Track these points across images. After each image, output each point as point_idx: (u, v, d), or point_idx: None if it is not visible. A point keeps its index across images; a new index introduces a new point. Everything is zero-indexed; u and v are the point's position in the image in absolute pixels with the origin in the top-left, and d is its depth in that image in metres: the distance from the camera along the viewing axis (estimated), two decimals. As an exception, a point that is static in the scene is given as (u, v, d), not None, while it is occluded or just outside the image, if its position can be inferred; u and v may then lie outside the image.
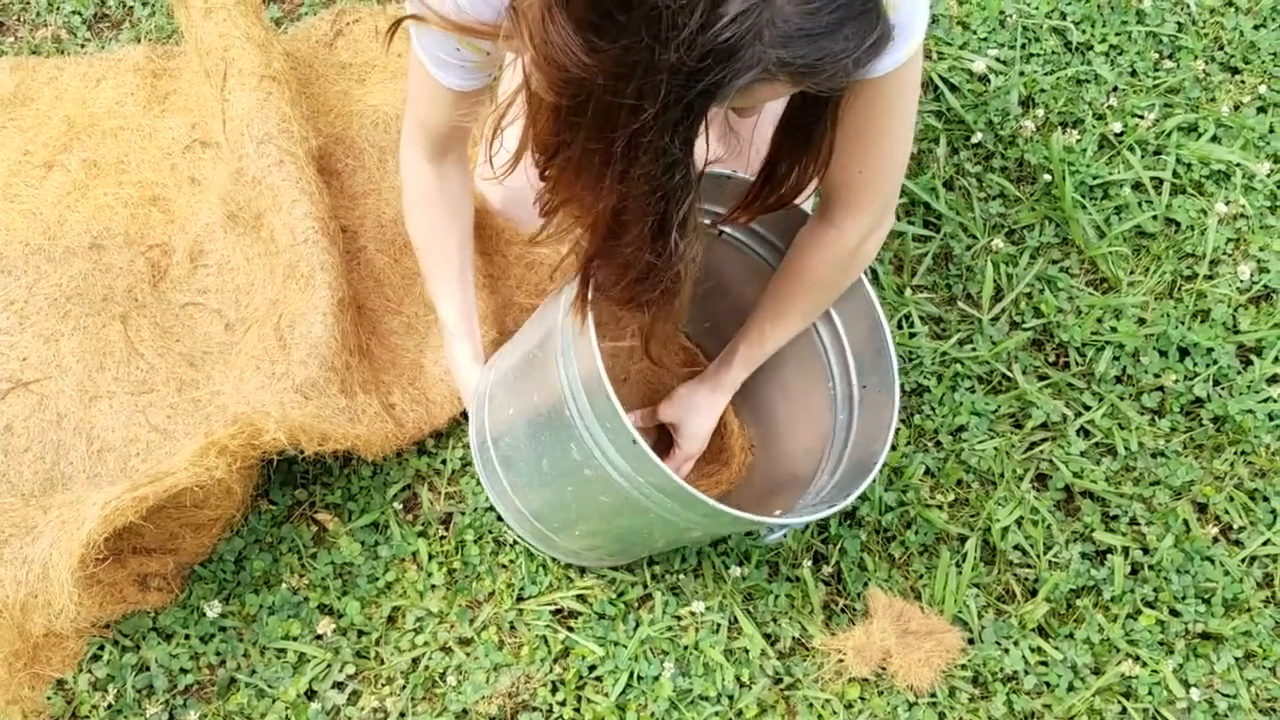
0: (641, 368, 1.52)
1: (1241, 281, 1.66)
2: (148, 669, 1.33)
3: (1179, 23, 1.94)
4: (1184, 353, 1.60)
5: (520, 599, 1.39)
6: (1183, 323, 1.62)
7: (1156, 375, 1.58)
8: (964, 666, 1.37)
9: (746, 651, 1.37)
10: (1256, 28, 1.94)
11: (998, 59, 1.87)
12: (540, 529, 1.35)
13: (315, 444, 1.33)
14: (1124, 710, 1.36)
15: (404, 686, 1.33)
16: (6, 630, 1.25)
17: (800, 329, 1.29)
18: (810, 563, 1.42)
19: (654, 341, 1.18)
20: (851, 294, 1.29)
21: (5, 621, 1.24)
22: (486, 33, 1.00)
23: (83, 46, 1.85)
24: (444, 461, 1.47)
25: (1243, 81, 1.88)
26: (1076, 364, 1.59)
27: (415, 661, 1.35)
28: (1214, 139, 1.80)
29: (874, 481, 1.47)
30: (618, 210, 0.92)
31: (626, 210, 0.91)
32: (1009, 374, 1.58)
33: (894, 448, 1.50)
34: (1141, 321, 1.62)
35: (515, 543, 1.42)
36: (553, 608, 1.39)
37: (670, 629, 1.38)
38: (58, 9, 1.88)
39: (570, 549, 1.36)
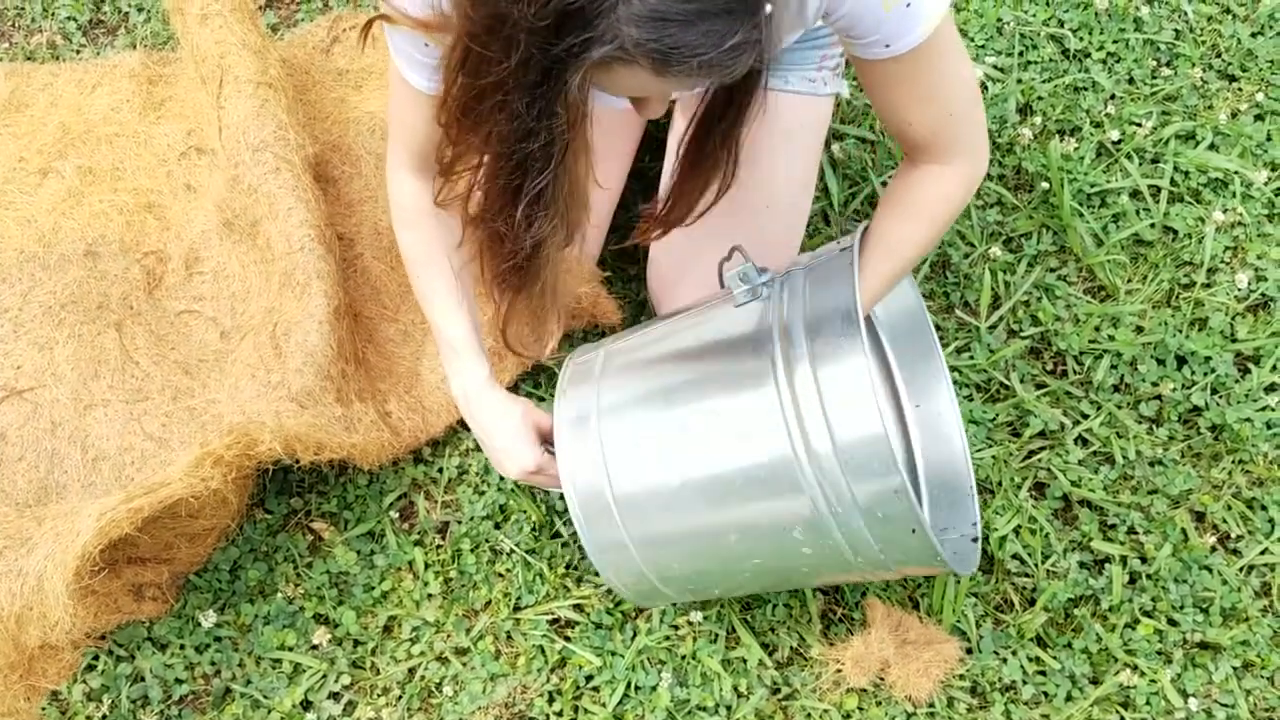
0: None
1: (1239, 290, 1.66)
2: (142, 679, 1.33)
3: (1176, 30, 1.94)
4: (1182, 361, 1.60)
5: (517, 608, 1.39)
6: (1180, 331, 1.62)
7: (1154, 384, 1.58)
8: (962, 676, 1.37)
9: (744, 661, 1.36)
10: (1254, 35, 1.94)
11: (995, 66, 1.87)
12: (660, 589, 1.20)
13: (311, 453, 1.32)
14: (1122, 720, 1.35)
15: (400, 697, 1.33)
16: (1, 643, 1.24)
17: (904, 275, 1.24)
18: (808, 572, 1.41)
19: (510, 326, 1.18)
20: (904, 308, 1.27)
21: (0, 634, 1.23)
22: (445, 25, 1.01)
23: (78, 52, 1.84)
24: (440, 470, 1.47)
25: (1240, 89, 1.88)
26: (1074, 372, 1.59)
27: (411, 672, 1.35)
28: (1211, 147, 1.80)
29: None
30: (485, 167, 0.96)
31: (489, 171, 0.96)
32: (1007, 382, 1.57)
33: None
34: (1139, 330, 1.62)
35: (511, 552, 1.42)
36: (549, 617, 1.38)
37: (668, 638, 1.37)
38: (53, 15, 1.88)
39: (674, 598, 1.25)
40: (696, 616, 1.38)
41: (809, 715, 1.34)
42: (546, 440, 1.24)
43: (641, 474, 1.11)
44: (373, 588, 1.39)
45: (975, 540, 1.23)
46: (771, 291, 1.12)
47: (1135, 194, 1.75)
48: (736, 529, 1.08)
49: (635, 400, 1.14)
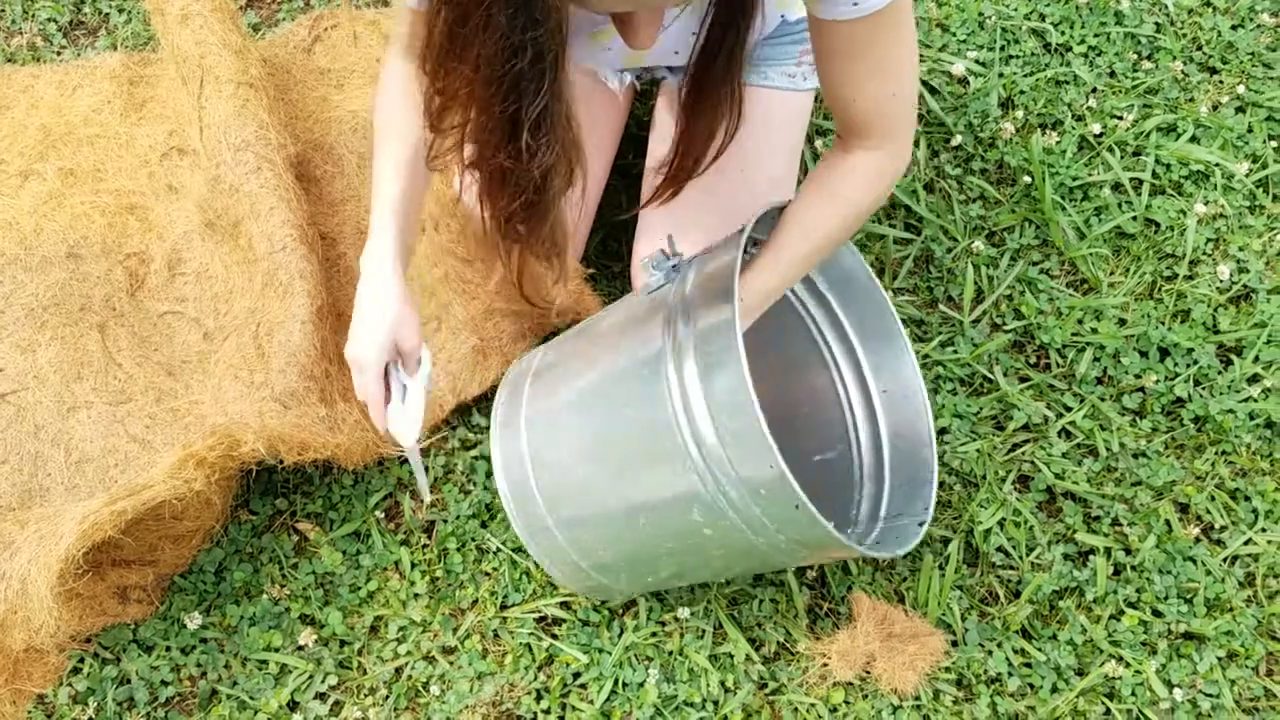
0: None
1: (1221, 281, 1.67)
2: (128, 682, 1.32)
3: (1157, 23, 1.94)
4: (1164, 353, 1.61)
5: (504, 607, 1.39)
6: (1163, 323, 1.63)
7: (1137, 376, 1.58)
8: (948, 669, 1.37)
9: (731, 657, 1.37)
10: (1234, 28, 1.95)
11: (977, 61, 1.88)
12: (600, 580, 1.26)
13: (295, 453, 1.32)
14: (1108, 711, 1.36)
15: (387, 697, 1.33)
16: None
17: (818, 259, 1.23)
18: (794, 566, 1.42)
19: (526, 277, 1.15)
20: (864, 292, 1.27)
21: None
22: None
23: (59, 54, 1.83)
24: (425, 468, 1.47)
25: (1221, 82, 1.89)
26: (1057, 365, 1.60)
27: (398, 671, 1.35)
28: (1193, 139, 1.81)
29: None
30: (478, 103, 0.94)
31: (483, 104, 0.93)
32: (990, 376, 1.58)
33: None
34: (1122, 322, 1.62)
35: (498, 550, 1.41)
36: (536, 615, 1.38)
37: (655, 635, 1.38)
38: (33, 16, 1.87)
39: (623, 590, 1.30)
40: (684, 613, 1.38)
41: (796, 709, 1.34)
42: (404, 357, 1.23)
43: (558, 462, 1.16)
44: (359, 588, 1.39)
45: (922, 525, 1.22)
46: (675, 278, 1.15)
47: (1117, 187, 1.76)
48: (644, 511, 1.12)
49: (552, 391, 1.19)
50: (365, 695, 1.33)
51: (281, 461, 1.31)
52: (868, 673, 1.35)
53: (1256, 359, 1.60)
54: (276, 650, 1.35)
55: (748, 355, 0.99)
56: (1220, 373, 1.59)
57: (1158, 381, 1.57)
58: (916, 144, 1.77)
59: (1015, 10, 1.94)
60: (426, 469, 1.45)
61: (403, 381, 1.26)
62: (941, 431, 1.53)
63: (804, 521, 1.02)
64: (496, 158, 0.98)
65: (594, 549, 1.20)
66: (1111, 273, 1.68)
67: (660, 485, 1.09)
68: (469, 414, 1.51)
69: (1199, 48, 1.93)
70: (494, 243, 1.14)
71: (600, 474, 1.14)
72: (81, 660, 1.33)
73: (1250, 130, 1.83)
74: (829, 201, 1.19)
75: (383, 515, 1.44)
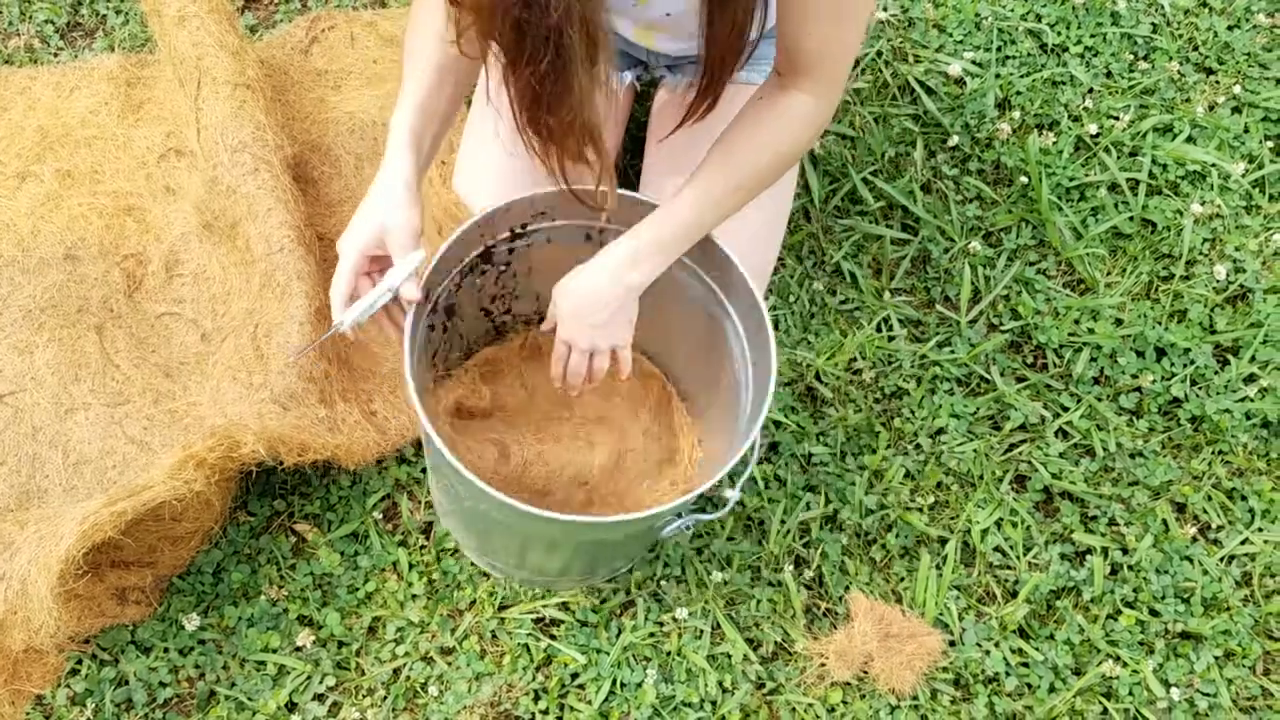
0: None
1: (1218, 281, 1.67)
2: (126, 683, 1.32)
3: (1153, 24, 1.95)
4: (1161, 353, 1.61)
5: (502, 607, 1.39)
6: (1160, 323, 1.63)
7: (1134, 376, 1.59)
8: (945, 669, 1.37)
9: (729, 657, 1.37)
10: (1230, 28, 1.95)
11: (974, 62, 1.88)
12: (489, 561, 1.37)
13: (295, 455, 1.32)
14: (1105, 711, 1.36)
15: (385, 697, 1.33)
16: None
17: (724, 207, 1.20)
18: (791, 567, 1.42)
19: (563, 163, 1.09)
20: (735, 281, 1.26)
21: None
22: None
23: (56, 55, 1.83)
24: (424, 470, 1.47)
25: (1217, 82, 1.90)
26: (1054, 365, 1.60)
27: (396, 672, 1.35)
28: (1189, 139, 1.81)
29: (854, 485, 1.47)
30: None
31: None
32: (987, 376, 1.58)
33: (874, 450, 1.50)
34: (1119, 322, 1.63)
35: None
36: (534, 616, 1.38)
37: (653, 635, 1.38)
38: (30, 18, 1.87)
39: (526, 577, 1.37)
40: (682, 613, 1.38)
41: (794, 709, 1.34)
42: (382, 261, 1.20)
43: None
44: (357, 589, 1.39)
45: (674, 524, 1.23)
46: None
47: (1114, 187, 1.76)
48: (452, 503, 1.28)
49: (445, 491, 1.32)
50: (363, 696, 1.33)
51: (280, 463, 1.31)
52: (865, 672, 1.35)
53: (1253, 359, 1.60)
54: (274, 651, 1.35)
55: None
56: (1217, 372, 1.59)
57: (1154, 381, 1.58)
58: (913, 144, 1.78)
59: (1012, 11, 1.94)
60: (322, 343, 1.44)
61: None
62: (938, 431, 1.54)
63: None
64: (511, 10, 0.94)
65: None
66: (1108, 273, 1.69)
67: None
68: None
69: (1195, 48, 1.94)
70: (529, 146, 1.09)
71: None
72: (80, 661, 1.33)
73: (1246, 130, 1.83)
74: (759, 139, 1.18)
75: (380, 516, 1.44)
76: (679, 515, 1.18)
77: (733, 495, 1.18)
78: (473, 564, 1.41)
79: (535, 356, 1.47)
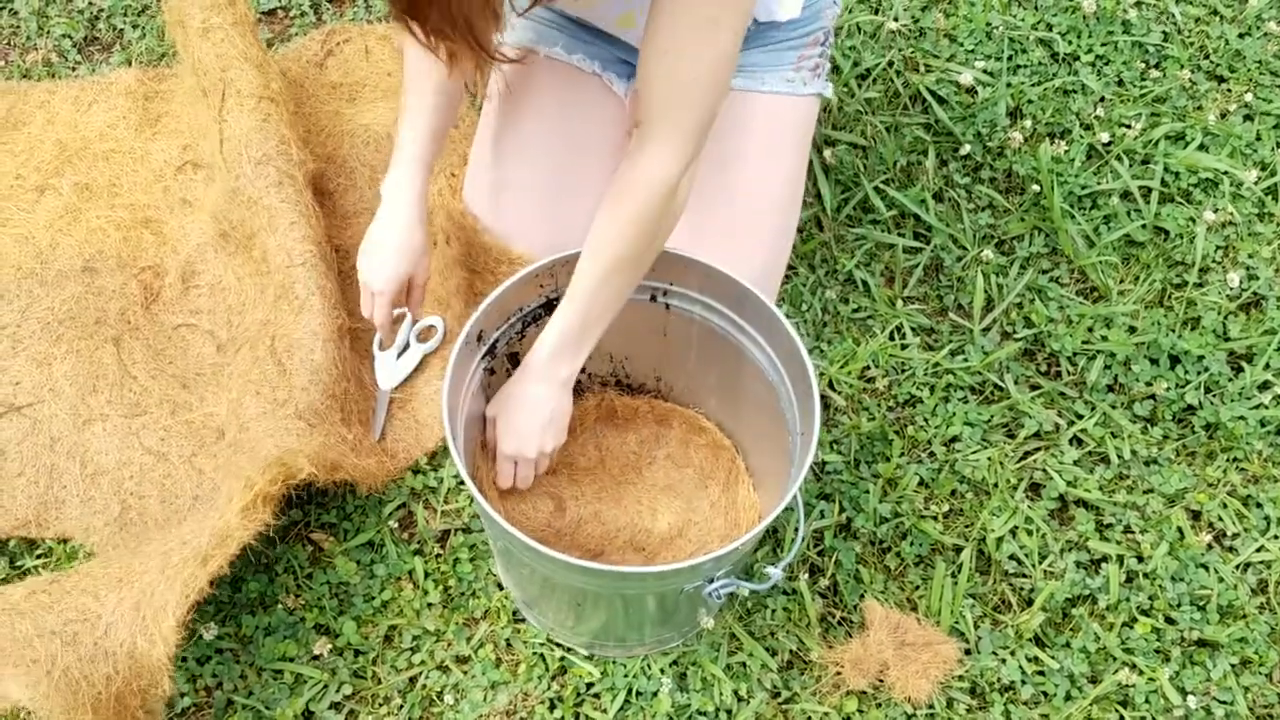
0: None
1: (1231, 289, 1.67)
2: (144, 692, 1.33)
3: (1164, 32, 1.95)
4: (1175, 360, 1.61)
5: (516, 616, 1.39)
6: (1173, 331, 1.63)
7: (1148, 383, 1.58)
8: (961, 677, 1.37)
9: (745, 666, 1.37)
10: (1241, 36, 1.96)
11: (985, 71, 1.88)
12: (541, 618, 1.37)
13: (327, 472, 1.33)
14: (1121, 718, 1.36)
15: (401, 706, 1.33)
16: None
17: (615, 285, 1.19)
18: (806, 575, 1.42)
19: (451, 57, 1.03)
20: (780, 334, 1.25)
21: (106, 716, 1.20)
22: None
23: (73, 70, 1.85)
24: (439, 479, 1.47)
25: (1229, 90, 1.90)
26: (1068, 373, 1.60)
27: (412, 681, 1.35)
28: (1201, 147, 1.81)
29: (868, 493, 1.47)
30: None
31: None
32: (1001, 384, 1.58)
33: (887, 459, 1.50)
34: (1132, 330, 1.63)
35: (511, 560, 1.42)
36: (549, 625, 1.39)
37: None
38: (48, 32, 1.89)
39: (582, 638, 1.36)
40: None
41: (809, 718, 1.34)
42: (413, 289, 1.36)
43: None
44: (373, 597, 1.39)
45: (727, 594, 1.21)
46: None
47: (1126, 195, 1.76)
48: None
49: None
50: (380, 704, 1.33)
51: (314, 483, 1.32)
52: (881, 681, 1.35)
53: (1267, 366, 1.60)
54: (292, 660, 1.35)
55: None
56: (1231, 380, 1.59)
57: (1168, 389, 1.58)
58: (925, 153, 1.78)
59: (1023, 20, 1.95)
60: (387, 415, 1.52)
61: (409, 339, 1.52)
62: (952, 440, 1.54)
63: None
64: None
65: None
66: (1121, 281, 1.69)
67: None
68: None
69: (1206, 56, 1.94)
70: (412, 33, 1.01)
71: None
72: (98, 671, 1.34)
73: (1259, 138, 1.83)
74: (620, 216, 1.16)
75: (396, 525, 1.45)
76: (711, 580, 1.17)
77: (775, 574, 1.17)
78: (489, 573, 1.41)
79: (610, 418, 1.49)
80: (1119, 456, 1.53)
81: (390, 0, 0.94)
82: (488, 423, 1.31)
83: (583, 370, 1.42)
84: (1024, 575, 1.45)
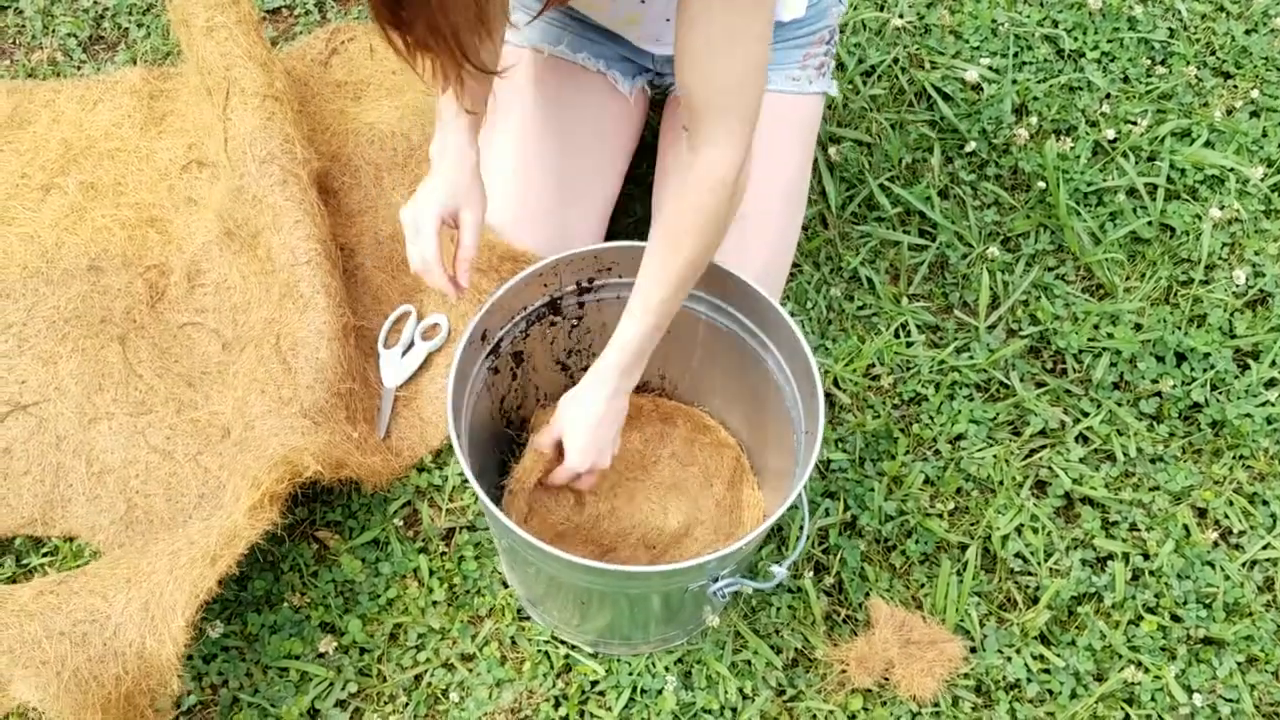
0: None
1: (1237, 286, 1.67)
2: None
3: (1170, 29, 1.95)
4: (1181, 358, 1.61)
5: (522, 615, 1.39)
6: (1179, 328, 1.62)
7: (1154, 381, 1.58)
8: (966, 675, 1.37)
9: (749, 664, 1.37)
10: (1248, 32, 1.95)
11: (990, 68, 1.88)
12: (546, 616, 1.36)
13: (333, 470, 1.33)
14: (1127, 717, 1.35)
15: (406, 704, 1.33)
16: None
17: (684, 288, 1.18)
18: (811, 573, 1.42)
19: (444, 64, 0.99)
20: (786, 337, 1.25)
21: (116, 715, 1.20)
22: None
23: (79, 69, 1.85)
24: (444, 477, 1.48)
25: (1235, 86, 1.89)
26: (1074, 371, 1.60)
27: (417, 678, 1.35)
28: (1207, 144, 1.81)
29: (873, 491, 1.47)
30: None
31: None
32: (1006, 381, 1.58)
33: (892, 456, 1.50)
34: (1138, 327, 1.62)
35: (516, 558, 1.42)
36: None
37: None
38: (53, 31, 1.89)
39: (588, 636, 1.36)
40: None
41: (814, 716, 1.34)
42: (461, 229, 1.24)
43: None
44: (378, 595, 1.40)
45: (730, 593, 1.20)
46: None
47: (1132, 192, 1.76)
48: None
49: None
50: (385, 702, 1.34)
51: (319, 480, 1.33)
52: (886, 679, 1.35)
53: (1273, 363, 1.60)
54: (297, 658, 1.35)
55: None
56: (1237, 377, 1.59)
57: (1174, 386, 1.57)
58: (930, 150, 1.78)
59: (1028, 17, 1.94)
60: (392, 413, 1.52)
61: (413, 337, 1.54)
62: (958, 437, 1.54)
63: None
64: None
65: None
66: (1127, 278, 1.68)
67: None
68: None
69: (1212, 52, 1.93)
70: (394, 47, 0.98)
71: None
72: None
73: (1265, 135, 1.83)
74: (681, 223, 1.15)
75: (401, 523, 1.45)
76: (716, 579, 1.17)
77: (780, 572, 1.17)
78: (494, 571, 1.41)
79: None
80: (1125, 454, 1.52)
81: (373, 10, 0.90)
82: (558, 435, 1.26)
83: (583, 367, 1.43)
84: (1029, 573, 1.44)
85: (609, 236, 1.58)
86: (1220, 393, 1.58)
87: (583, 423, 1.22)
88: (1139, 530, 1.48)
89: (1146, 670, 1.38)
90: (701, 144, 1.13)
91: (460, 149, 1.23)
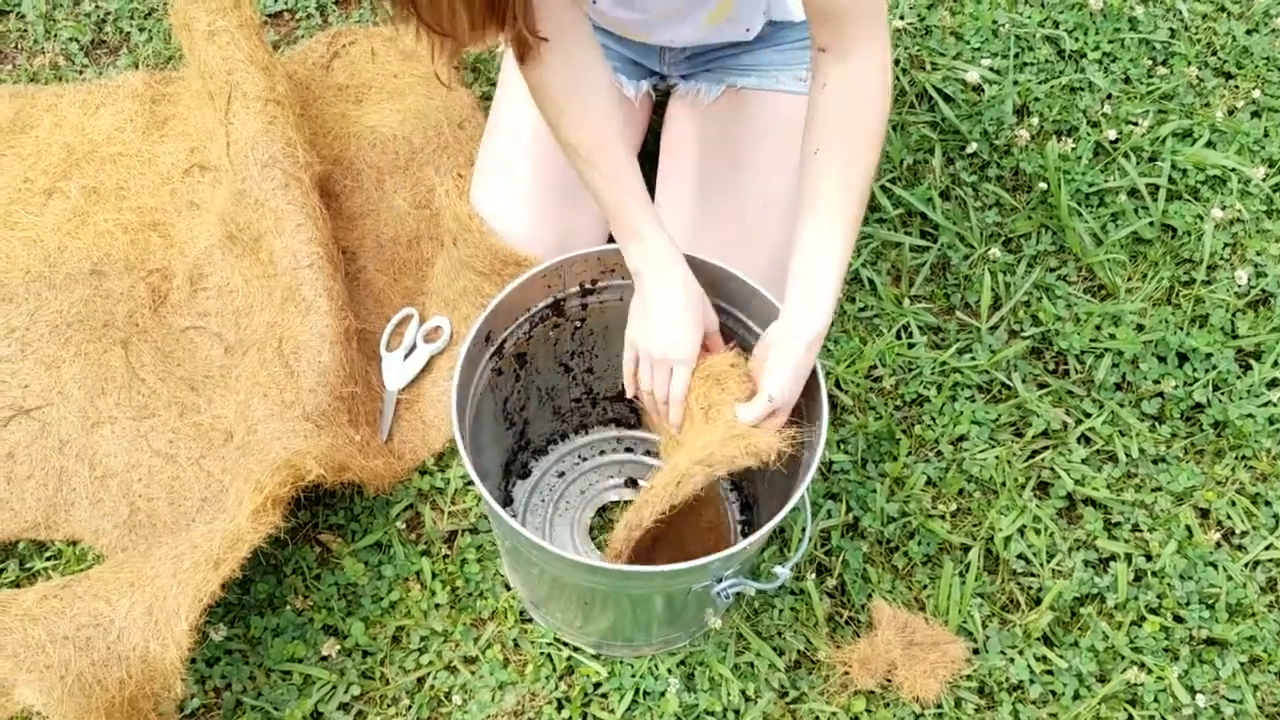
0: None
1: (1239, 286, 1.67)
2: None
3: (1171, 29, 1.94)
4: (1183, 358, 1.61)
5: (524, 617, 1.39)
6: (1181, 328, 1.62)
7: (1156, 381, 1.58)
8: (969, 677, 1.37)
9: (752, 666, 1.37)
10: (1249, 32, 1.95)
11: (991, 69, 1.88)
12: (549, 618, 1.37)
13: (335, 474, 1.33)
14: (1130, 718, 1.35)
15: (409, 707, 1.33)
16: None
17: (865, 203, 1.14)
18: (814, 575, 1.42)
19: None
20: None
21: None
22: None
23: (81, 73, 1.86)
24: (446, 480, 1.48)
25: (1236, 86, 1.89)
26: (1076, 371, 1.60)
27: (420, 681, 1.35)
28: (1209, 144, 1.81)
29: (875, 492, 1.47)
30: None
31: None
32: (1008, 383, 1.58)
33: (894, 458, 1.50)
34: (1140, 328, 1.62)
35: (518, 561, 1.42)
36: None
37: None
38: (55, 36, 1.90)
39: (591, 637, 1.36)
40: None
41: (817, 718, 1.34)
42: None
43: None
44: (381, 598, 1.40)
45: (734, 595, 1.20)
46: None
47: (1133, 192, 1.76)
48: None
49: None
50: (388, 705, 1.34)
51: (322, 484, 1.33)
52: (889, 681, 1.35)
53: (1276, 363, 1.60)
54: (300, 661, 1.36)
55: None
56: (1239, 377, 1.59)
57: (1176, 387, 1.57)
58: (931, 151, 1.78)
59: (1029, 18, 1.94)
60: (394, 416, 1.53)
61: (416, 340, 1.56)
62: (960, 438, 1.54)
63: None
64: None
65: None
66: (1129, 278, 1.68)
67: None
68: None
69: (1213, 53, 1.93)
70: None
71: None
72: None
73: (1266, 135, 1.83)
74: (856, 127, 1.12)
75: (404, 526, 1.45)
76: (719, 580, 1.17)
77: (782, 573, 1.17)
78: (496, 573, 1.42)
79: None
80: (1127, 455, 1.52)
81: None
82: (777, 387, 1.14)
83: (587, 369, 1.43)
84: (1032, 574, 1.44)
85: (612, 238, 1.58)
86: (1222, 393, 1.58)
87: (799, 372, 1.15)
88: (1141, 531, 1.47)
89: (1149, 671, 1.38)
90: (853, 50, 1.10)
91: (684, 268, 1.19)
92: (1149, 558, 1.45)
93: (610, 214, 1.20)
